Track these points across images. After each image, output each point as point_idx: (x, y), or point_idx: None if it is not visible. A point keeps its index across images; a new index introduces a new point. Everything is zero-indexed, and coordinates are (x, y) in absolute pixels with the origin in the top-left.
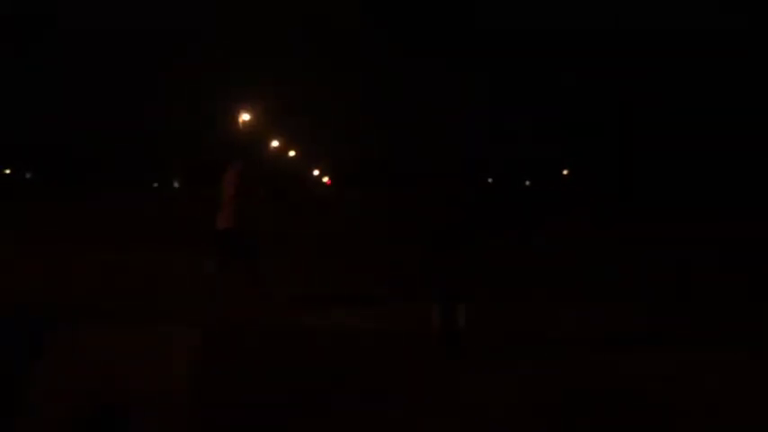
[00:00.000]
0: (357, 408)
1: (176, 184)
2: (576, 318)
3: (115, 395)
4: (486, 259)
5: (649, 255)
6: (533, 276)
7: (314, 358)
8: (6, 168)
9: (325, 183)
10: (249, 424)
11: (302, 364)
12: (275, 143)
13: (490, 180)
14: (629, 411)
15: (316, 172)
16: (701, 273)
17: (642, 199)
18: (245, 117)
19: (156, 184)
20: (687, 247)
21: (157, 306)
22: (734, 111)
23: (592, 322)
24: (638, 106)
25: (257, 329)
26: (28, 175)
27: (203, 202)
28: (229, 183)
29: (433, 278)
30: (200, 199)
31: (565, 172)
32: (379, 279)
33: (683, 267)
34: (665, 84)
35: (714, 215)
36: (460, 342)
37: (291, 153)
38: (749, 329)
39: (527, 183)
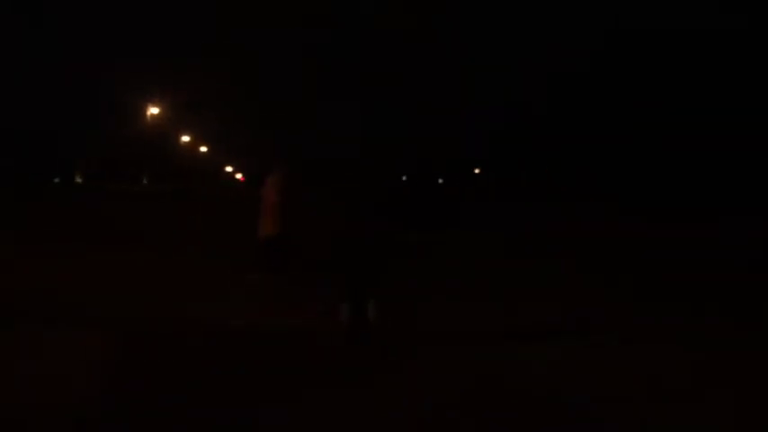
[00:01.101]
0: (266, 407)
1: (78, 180)
2: (483, 314)
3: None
4: (396, 256)
5: (564, 251)
6: (444, 274)
7: (223, 358)
8: None
9: (238, 179)
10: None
11: (208, 365)
12: (185, 138)
13: (404, 178)
14: (524, 400)
15: (229, 168)
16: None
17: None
18: (153, 111)
19: (57, 179)
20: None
21: (81, 308)
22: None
23: (497, 318)
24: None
25: (168, 331)
26: None
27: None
28: (273, 189)
29: (343, 275)
30: (116, 195)
31: (477, 171)
32: (291, 276)
33: (593, 264)
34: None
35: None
36: (370, 338)
37: (203, 149)
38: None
39: (440, 180)
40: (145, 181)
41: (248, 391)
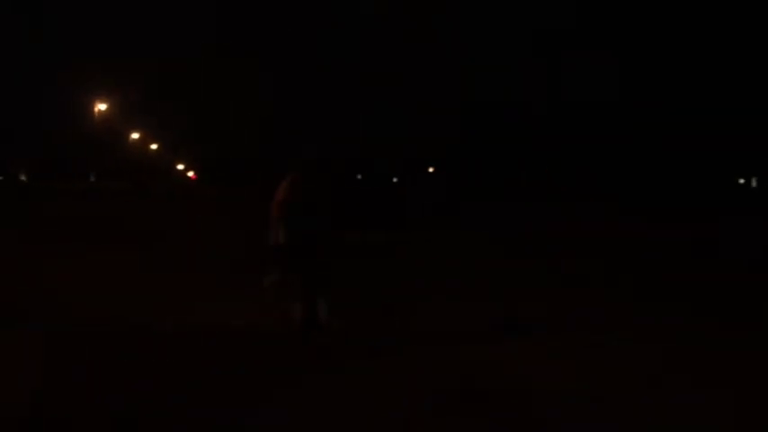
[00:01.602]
0: (215, 409)
1: (23, 178)
2: (438, 313)
3: None
4: (349, 255)
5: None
6: (397, 272)
7: (173, 358)
8: None
9: (190, 177)
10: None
11: (158, 365)
12: (135, 135)
13: (359, 176)
14: (480, 392)
15: (180, 166)
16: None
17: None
18: (100, 107)
19: (0, 177)
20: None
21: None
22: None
23: (453, 317)
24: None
25: (122, 330)
26: None
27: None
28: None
29: (295, 274)
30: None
31: (431, 169)
32: (243, 276)
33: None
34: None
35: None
36: (321, 337)
37: (153, 146)
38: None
39: (394, 179)
40: (92, 179)
41: (205, 393)
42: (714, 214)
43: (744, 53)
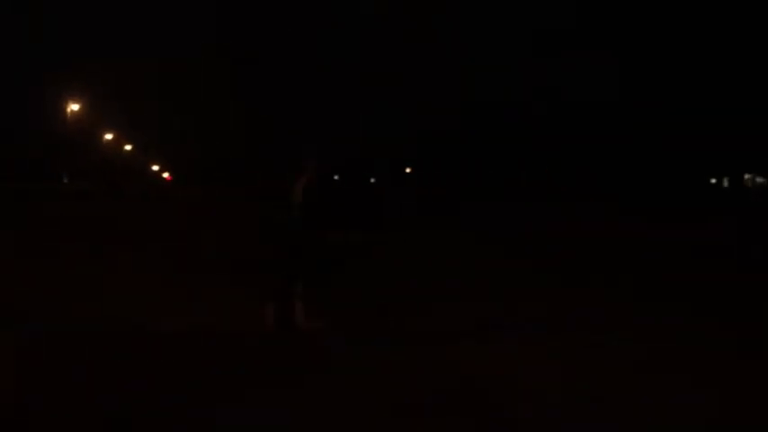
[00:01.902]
0: (189, 411)
1: None
2: (431, 313)
3: None
4: (325, 256)
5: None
6: (374, 273)
7: (146, 361)
8: None
9: (165, 178)
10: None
11: (131, 368)
12: (108, 136)
13: (336, 177)
14: (479, 392)
15: (155, 167)
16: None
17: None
18: (73, 107)
19: None
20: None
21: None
22: None
23: (449, 317)
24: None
25: (96, 333)
26: None
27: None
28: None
29: (270, 276)
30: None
31: (408, 170)
32: (218, 277)
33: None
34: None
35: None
36: (297, 339)
37: (127, 147)
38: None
39: (372, 180)
40: (65, 180)
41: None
42: (706, 214)
43: (720, 56)
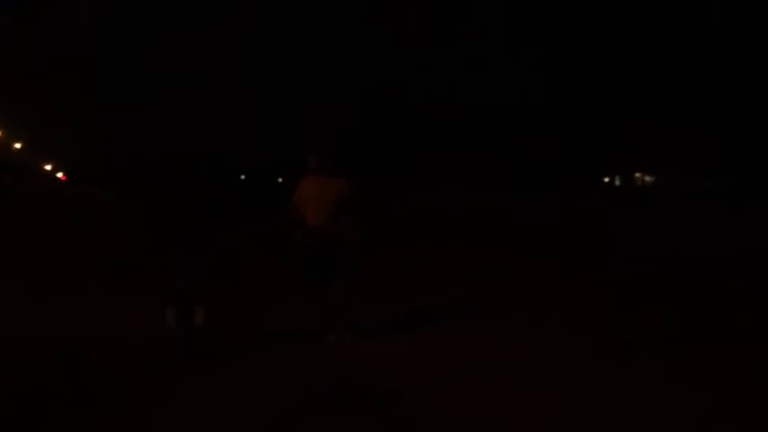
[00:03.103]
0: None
1: None
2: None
3: None
4: (227, 258)
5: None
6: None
7: (36, 371)
8: None
9: (59, 178)
10: None
11: (22, 379)
12: None
13: (243, 177)
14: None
15: (48, 167)
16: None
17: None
18: None
19: None
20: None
21: None
22: None
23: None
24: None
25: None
26: None
27: None
28: (330, 192)
29: (169, 278)
30: None
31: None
32: (113, 281)
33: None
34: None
35: None
36: (196, 343)
37: (17, 145)
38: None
39: (279, 180)
40: None
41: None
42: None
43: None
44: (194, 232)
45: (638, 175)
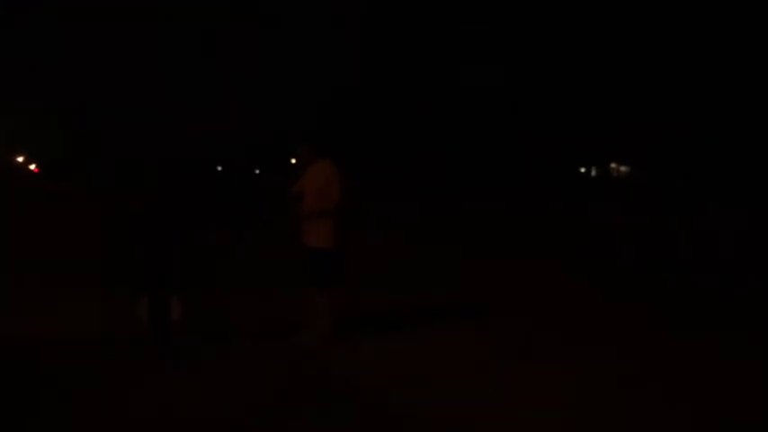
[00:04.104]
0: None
1: None
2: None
3: None
4: (201, 250)
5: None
6: (256, 267)
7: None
8: None
9: (32, 170)
10: None
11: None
12: None
13: (219, 168)
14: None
15: (20, 159)
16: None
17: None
18: None
19: None
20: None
21: None
22: None
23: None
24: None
25: None
26: None
27: None
28: (332, 186)
29: (142, 270)
30: None
31: (293, 161)
32: (87, 276)
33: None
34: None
35: None
36: (171, 336)
37: None
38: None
39: (257, 171)
40: None
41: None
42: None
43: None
44: (167, 224)
45: (613, 165)
